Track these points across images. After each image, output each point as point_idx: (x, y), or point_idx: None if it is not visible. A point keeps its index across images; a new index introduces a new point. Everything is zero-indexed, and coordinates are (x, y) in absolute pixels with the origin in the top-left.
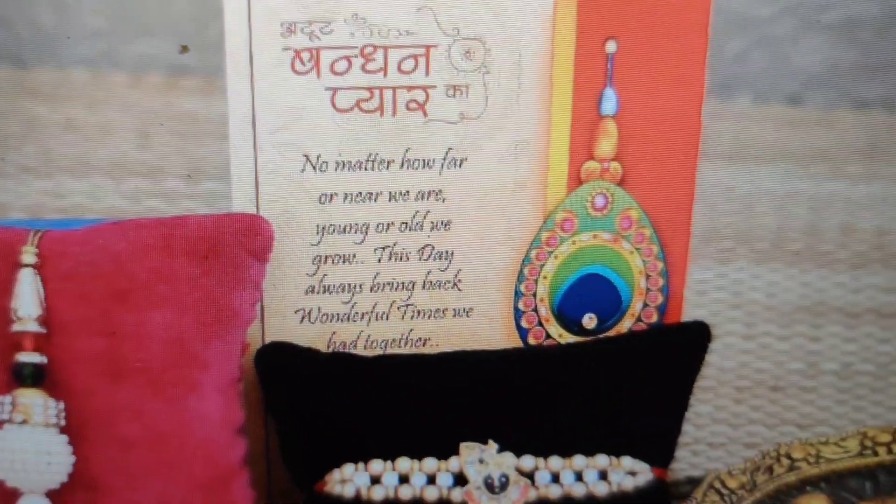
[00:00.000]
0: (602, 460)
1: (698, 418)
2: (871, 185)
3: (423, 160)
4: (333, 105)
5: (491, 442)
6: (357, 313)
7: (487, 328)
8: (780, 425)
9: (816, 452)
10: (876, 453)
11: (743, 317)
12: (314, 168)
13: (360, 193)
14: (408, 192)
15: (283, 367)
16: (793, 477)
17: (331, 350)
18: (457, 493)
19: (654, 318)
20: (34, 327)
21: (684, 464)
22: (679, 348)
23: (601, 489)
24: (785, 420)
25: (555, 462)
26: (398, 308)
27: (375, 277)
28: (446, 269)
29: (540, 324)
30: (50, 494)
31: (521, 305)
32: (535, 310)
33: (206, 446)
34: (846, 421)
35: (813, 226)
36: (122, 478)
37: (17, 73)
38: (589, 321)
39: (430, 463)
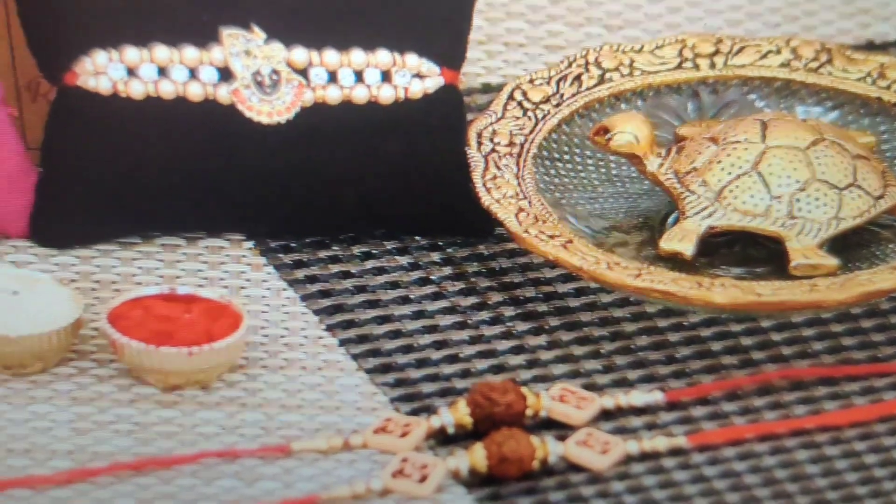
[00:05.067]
0: (384, 56)
1: (490, 10)
2: None
3: None
4: None
5: (257, 29)
6: None
7: None
8: (585, 25)
9: (630, 62)
10: (697, 66)
11: None
12: None
13: None
14: None
15: None
16: (605, 91)
17: None
18: (223, 92)
19: None
20: None
21: (478, 67)
22: None
23: (385, 93)
24: (591, 18)
25: (330, 56)
26: None
27: None
28: None
29: None
30: None
31: None
32: None
33: None
34: (661, 25)
35: None
36: None
37: None
38: None
39: (190, 52)
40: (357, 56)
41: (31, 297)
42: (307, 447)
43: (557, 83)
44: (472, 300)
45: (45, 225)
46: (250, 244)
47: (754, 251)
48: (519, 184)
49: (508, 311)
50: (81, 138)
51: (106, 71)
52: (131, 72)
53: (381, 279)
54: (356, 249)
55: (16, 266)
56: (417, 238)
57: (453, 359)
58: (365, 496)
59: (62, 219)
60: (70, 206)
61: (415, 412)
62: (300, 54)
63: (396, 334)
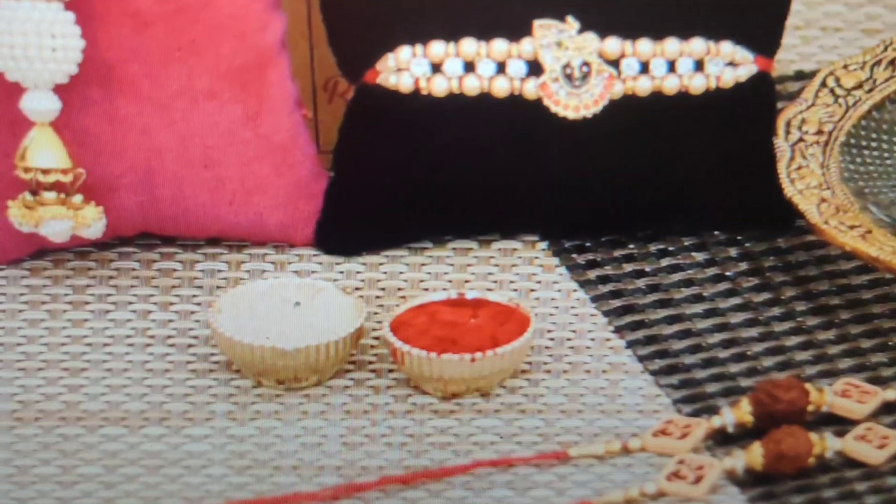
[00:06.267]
0: (698, 45)
1: None
2: None
3: None
4: None
5: (570, 19)
6: None
7: None
8: None
9: None
10: None
11: None
12: None
13: None
14: None
15: None
16: None
17: None
18: (530, 87)
19: None
20: None
21: (793, 54)
22: None
23: (697, 83)
24: None
25: (644, 46)
26: None
27: None
28: None
29: None
30: (58, 90)
31: None
32: None
33: (236, 23)
34: None
35: None
36: (138, 64)
37: None
38: None
39: (499, 45)
40: (671, 45)
41: (312, 308)
42: (584, 452)
43: (871, 68)
44: (765, 296)
45: (333, 232)
46: (544, 245)
47: None
48: (823, 173)
49: (800, 306)
50: (377, 139)
51: (409, 67)
52: (435, 67)
53: (676, 277)
54: (652, 247)
55: (298, 276)
56: (716, 233)
57: (741, 357)
58: (638, 500)
59: (351, 225)
60: (360, 211)
61: (696, 413)
62: (613, 45)
63: (686, 334)
